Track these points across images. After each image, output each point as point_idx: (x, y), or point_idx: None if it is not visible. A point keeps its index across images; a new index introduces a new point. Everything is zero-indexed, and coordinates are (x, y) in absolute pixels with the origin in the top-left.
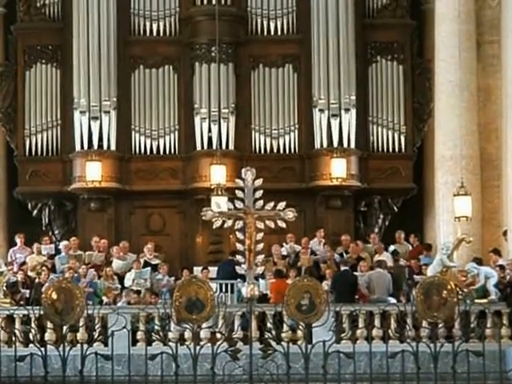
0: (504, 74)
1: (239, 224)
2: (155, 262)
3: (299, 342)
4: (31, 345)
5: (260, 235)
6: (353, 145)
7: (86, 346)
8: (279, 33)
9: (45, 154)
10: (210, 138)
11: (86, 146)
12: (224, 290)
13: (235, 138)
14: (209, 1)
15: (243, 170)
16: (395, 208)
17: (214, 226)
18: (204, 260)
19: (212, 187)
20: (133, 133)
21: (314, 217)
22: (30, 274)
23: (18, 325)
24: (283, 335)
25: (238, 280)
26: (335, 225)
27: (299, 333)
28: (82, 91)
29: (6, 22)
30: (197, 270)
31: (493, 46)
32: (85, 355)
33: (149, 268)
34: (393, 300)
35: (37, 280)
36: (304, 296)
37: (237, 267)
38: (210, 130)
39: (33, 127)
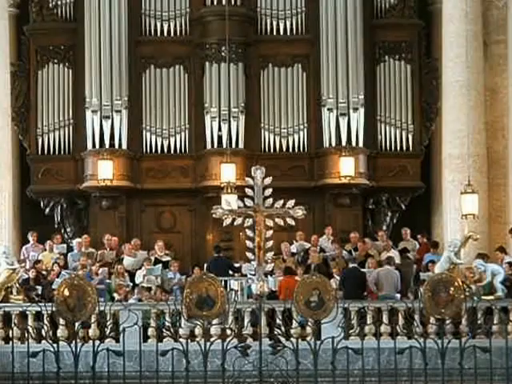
0: (511, 73)
1: (249, 222)
2: (166, 259)
3: (308, 338)
4: (44, 341)
5: (269, 233)
6: (361, 143)
7: (97, 343)
8: (288, 33)
9: (57, 152)
10: (220, 137)
11: (97, 145)
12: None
13: (245, 136)
14: (219, 1)
15: (253, 169)
16: (403, 206)
17: (224, 224)
18: None
19: (222, 185)
20: (144, 132)
21: (323, 214)
22: (43, 272)
23: (30, 321)
24: (292, 331)
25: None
26: (344, 222)
27: (308, 329)
28: (94, 91)
29: (19, 23)
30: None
31: (499, 45)
32: (96, 351)
33: (160, 265)
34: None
35: (49, 277)
36: (313, 293)
37: (245, 264)
38: (220, 129)
39: (45, 126)
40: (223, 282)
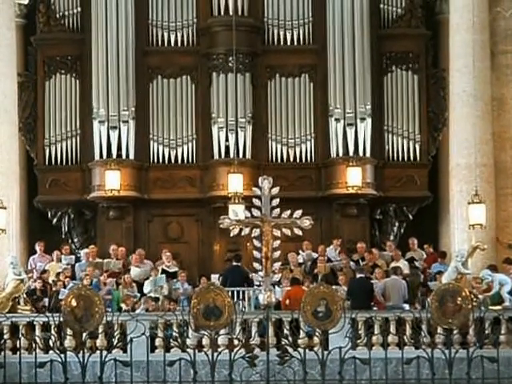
0: None
1: (256, 232)
2: (173, 269)
3: (316, 349)
4: (51, 351)
5: (277, 243)
6: (368, 153)
7: (105, 353)
8: (295, 43)
9: (64, 163)
10: (227, 147)
11: (105, 155)
12: (236, 296)
13: (252, 147)
14: (226, 12)
15: (260, 179)
16: (410, 216)
17: (232, 234)
18: (221, 268)
19: (229, 196)
20: (151, 142)
21: (330, 225)
22: (50, 281)
23: (38, 332)
24: (300, 342)
25: (252, 287)
26: (351, 232)
27: (316, 339)
28: (101, 101)
29: (26, 33)
30: (214, 277)
31: (507, 55)
32: (104, 361)
33: (163, 275)
34: (407, 307)
35: (54, 288)
36: (320, 303)
37: (254, 274)
38: (227, 139)
39: (52, 137)
40: (240, 293)
